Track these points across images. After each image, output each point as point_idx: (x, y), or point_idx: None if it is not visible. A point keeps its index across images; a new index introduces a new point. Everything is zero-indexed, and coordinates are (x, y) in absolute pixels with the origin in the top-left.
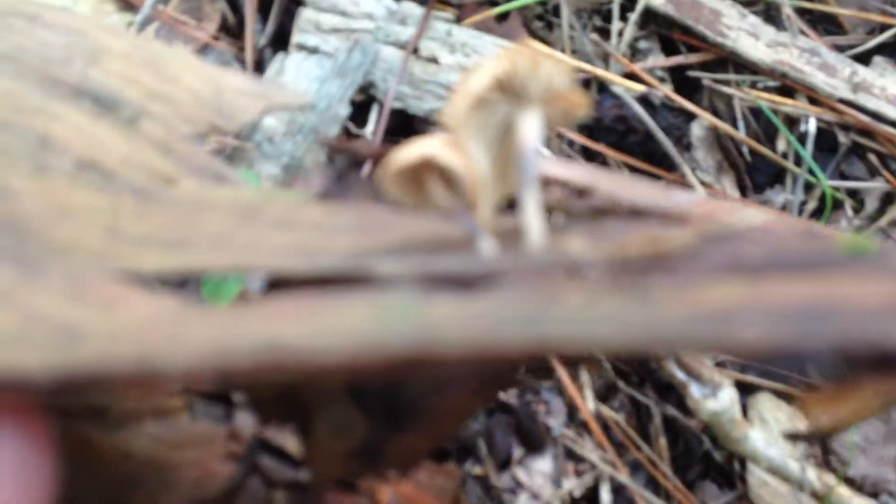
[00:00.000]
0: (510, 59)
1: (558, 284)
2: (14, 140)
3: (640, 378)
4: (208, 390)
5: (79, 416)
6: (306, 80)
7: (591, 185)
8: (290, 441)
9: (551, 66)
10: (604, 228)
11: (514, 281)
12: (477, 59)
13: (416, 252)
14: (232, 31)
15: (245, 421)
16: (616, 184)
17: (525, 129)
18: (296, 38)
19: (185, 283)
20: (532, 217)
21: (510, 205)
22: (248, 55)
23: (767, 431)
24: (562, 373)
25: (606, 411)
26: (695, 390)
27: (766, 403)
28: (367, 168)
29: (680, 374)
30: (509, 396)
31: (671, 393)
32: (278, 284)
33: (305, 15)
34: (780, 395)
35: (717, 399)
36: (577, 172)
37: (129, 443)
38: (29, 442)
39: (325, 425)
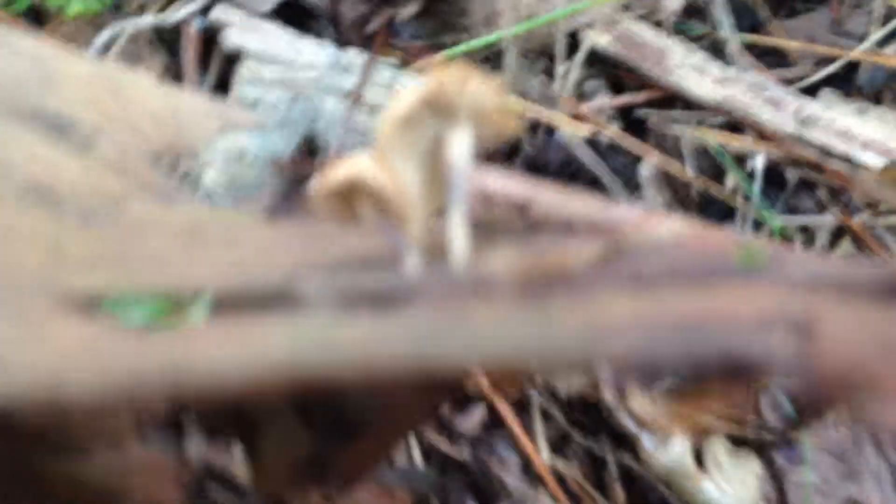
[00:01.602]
0: (438, 78)
1: (469, 302)
2: None
3: (595, 427)
4: (160, 417)
5: (25, 442)
6: (246, 133)
7: (530, 199)
8: (238, 469)
9: (479, 84)
10: (534, 243)
11: (429, 299)
12: None
13: (346, 269)
14: (172, 81)
15: (195, 448)
16: (554, 198)
17: (454, 146)
18: (236, 90)
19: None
20: (456, 234)
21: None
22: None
23: (722, 477)
24: (515, 425)
25: (561, 464)
26: (646, 442)
27: (719, 448)
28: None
29: (631, 425)
30: (462, 452)
31: (626, 441)
32: (219, 304)
33: (246, 67)
34: (734, 439)
35: (668, 451)
36: (516, 186)
37: (78, 470)
38: None
39: (270, 439)
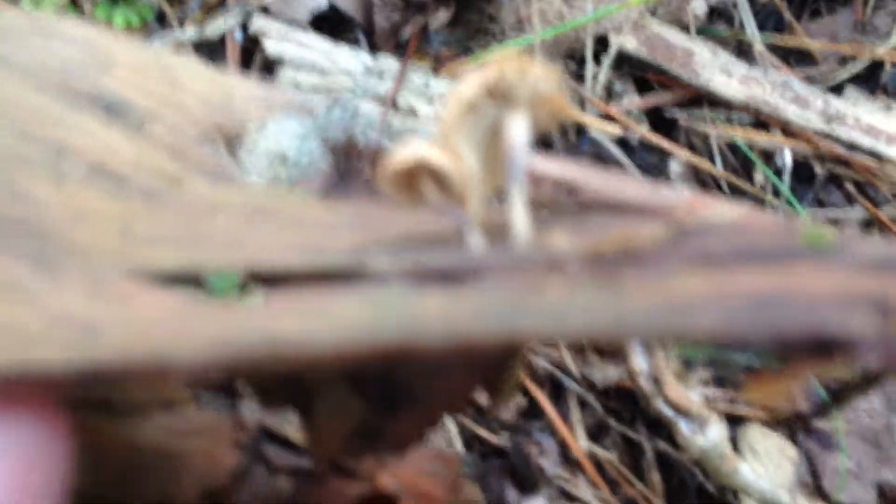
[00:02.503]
0: (499, 66)
1: (539, 278)
2: (36, 150)
3: (631, 415)
4: (214, 381)
5: (88, 406)
6: (287, 138)
7: (580, 182)
8: (292, 430)
9: (539, 72)
10: (587, 223)
11: (498, 275)
12: None
13: (410, 247)
14: None
15: (250, 411)
16: (603, 181)
17: (513, 130)
18: None
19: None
20: (518, 213)
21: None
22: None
23: (758, 462)
24: (552, 412)
25: (598, 450)
26: (683, 427)
27: (755, 434)
28: (367, 168)
29: (667, 411)
30: (501, 439)
31: (662, 428)
32: (283, 280)
33: (284, 75)
34: (768, 424)
35: (705, 435)
36: (567, 169)
37: (137, 433)
38: (46, 431)
39: (324, 408)
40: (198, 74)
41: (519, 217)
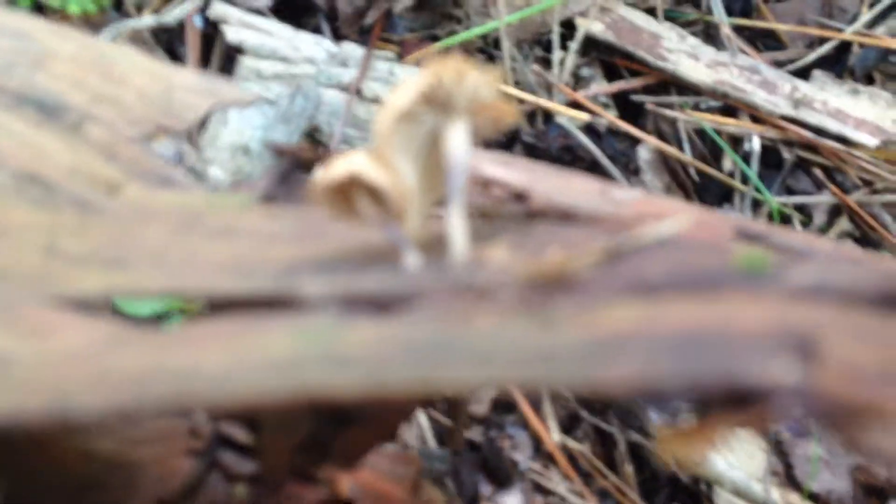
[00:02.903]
0: (435, 71)
1: (471, 306)
2: None
3: (603, 406)
4: None
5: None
6: (250, 128)
7: (529, 187)
8: (249, 435)
9: (476, 77)
10: (532, 233)
11: (429, 302)
12: None
13: (345, 266)
14: None
15: (204, 417)
16: (553, 183)
17: (452, 140)
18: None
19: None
20: (456, 228)
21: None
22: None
23: (730, 452)
24: (525, 406)
25: (571, 442)
26: (654, 418)
27: None
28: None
29: (639, 402)
30: (474, 433)
31: (634, 418)
32: (217, 305)
33: (246, 63)
34: None
35: (675, 426)
36: (516, 173)
37: (90, 443)
38: None
39: (271, 422)
40: (138, 66)
41: (457, 232)
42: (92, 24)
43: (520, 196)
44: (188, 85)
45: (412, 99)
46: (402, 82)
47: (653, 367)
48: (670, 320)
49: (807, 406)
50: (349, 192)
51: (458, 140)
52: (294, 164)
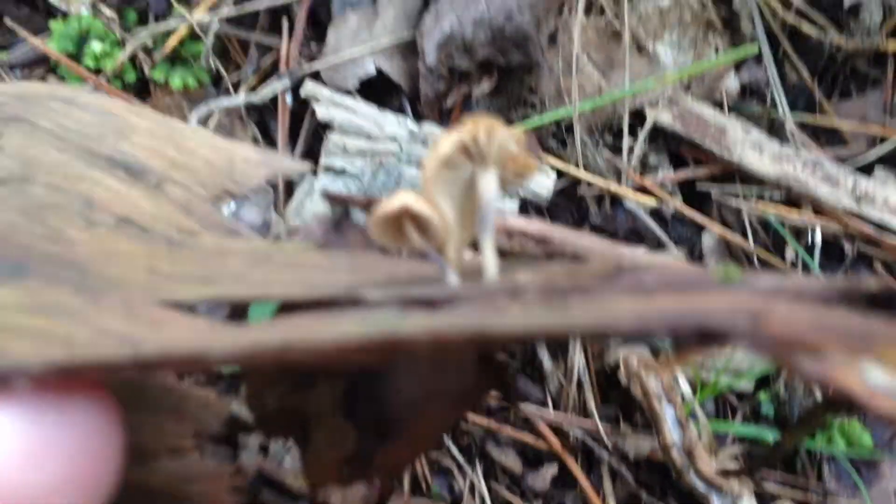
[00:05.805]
0: (470, 127)
1: (503, 304)
2: (65, 200)
3: (663, 488)
4: (217, 434)
5: None
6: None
7: (547, 236)
8: (289, 476)
9: (504, 133)
10: (547, 266)
11: (470, 302)
12: None
13: (397, 285)
14: None
15: (249, 460)
16: (567, 234)
17: (484, 185)
18: (323, 160)
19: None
20: (488, 255)
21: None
22: (279, 177)
23: None
24: (584, 482)
25: None
26: (716, 501)
27: None
28: (361, 217)
29: (700, 485)
30: None
31: (694, 502)
32: (288, 308)
33: (333, 139)
34: (797, 501)
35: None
36: (536, 226)
37: (147, 478)
38: (103, 412)
39: (320, 437)
40: (204, 141)
41: (489, 259)
42: (190, 98)
43: (540, 240)
44: (247, 157)
45: (451, 149)
46: (442, 136)
47: (643, 321)
48: (660, 305)
49: (754, 342)
50: (400, 223)
51: (489, 184)
52: (346, 212)
